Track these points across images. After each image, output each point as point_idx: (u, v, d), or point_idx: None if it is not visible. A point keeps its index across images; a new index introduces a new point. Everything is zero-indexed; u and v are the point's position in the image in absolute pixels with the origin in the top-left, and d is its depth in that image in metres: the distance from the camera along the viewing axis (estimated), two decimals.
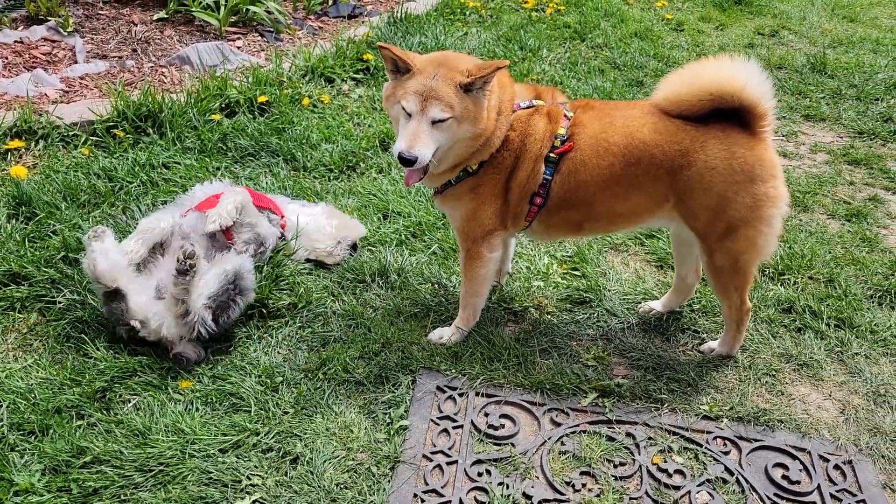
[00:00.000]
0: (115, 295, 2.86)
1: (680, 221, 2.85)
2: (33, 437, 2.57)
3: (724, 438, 2.77)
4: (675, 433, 2.77)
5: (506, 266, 3.41)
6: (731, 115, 2.68)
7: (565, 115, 2.82)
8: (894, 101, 5.56)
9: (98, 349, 2.93)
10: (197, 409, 2.70)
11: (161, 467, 2.49)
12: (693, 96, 2.67)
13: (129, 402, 2.73)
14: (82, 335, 2.99)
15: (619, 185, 2.77)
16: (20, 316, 3.07)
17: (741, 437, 2.77)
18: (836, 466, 2.69)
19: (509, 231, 3.01)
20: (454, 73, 2.62)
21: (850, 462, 2.70)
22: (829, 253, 3.78)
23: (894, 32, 7.20)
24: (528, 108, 2.84)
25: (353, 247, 3.59)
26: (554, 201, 2.85)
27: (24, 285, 3.18)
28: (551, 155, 2.79)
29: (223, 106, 4.65)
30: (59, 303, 3.09)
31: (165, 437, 2.58)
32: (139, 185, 3.88)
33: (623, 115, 2.80)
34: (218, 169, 4.13)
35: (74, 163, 4.01)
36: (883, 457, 2.73)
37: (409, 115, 2.63)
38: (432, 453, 2.64)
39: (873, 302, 3.48)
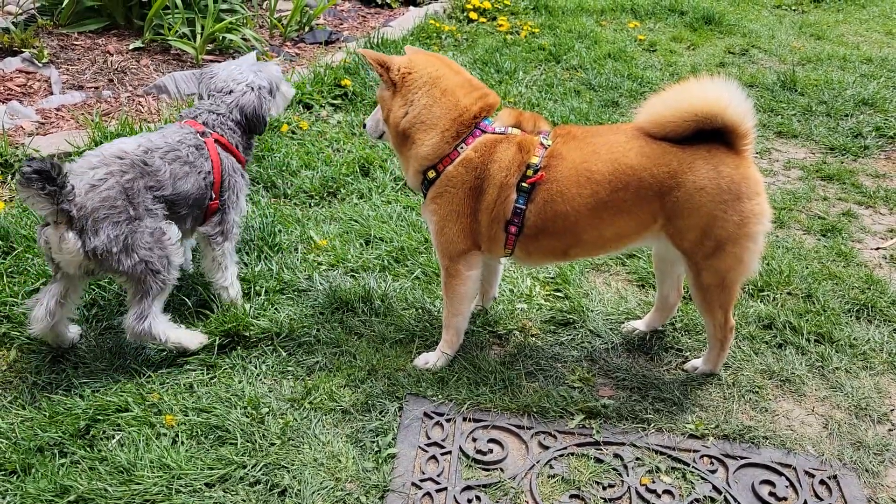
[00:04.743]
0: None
1: (667, 241, 2.88)
2: (15, 477, 2.52)
3: (710, 457, 2.79)
4: (662, 453, 2.79)
5: (493, 291, 3.43)
6: (712, 136, 2.73)
7: (542, 145, 2.85)
8: (864, 117, 5.69)
9: (80, 385, 2.89)
10: (182, 443, 2.68)
11: None
12: (678, 118, 2.71)
13: (114, 438, 2.69)
14: (64, 371, 2.96)
15: (606, 212, 2.80)
16: None
17: (727, 455, 2.79)
18: (822, 482, 2.72)
19: (489, 254, 3.03)
20: None
21: (835, 477, 2.73)
22: (807, 268, 3.84)
23: (860, 49, 7.36)
24: (500, 133, 2.87)
25: None
26: (531, 230, 2.87)
27: (2, 321, 3.14)
28: (523, 185, 2.81)
29: None
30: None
31: (151, 472, 2.54)
32: None
33: (607, 142, 2.83)
34: None
35: None
36: (867, 470, 2.76)
37: None
38: (421, 481, 2.63)
39: (851, 316, 3.53)
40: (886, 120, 5.61)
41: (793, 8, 8.87)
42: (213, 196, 3.17)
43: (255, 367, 3.05)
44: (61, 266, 2.88)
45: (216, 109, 3.27)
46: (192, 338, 3.07)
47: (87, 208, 2.75)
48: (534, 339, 3.32)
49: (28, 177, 2.58)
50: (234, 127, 3.29)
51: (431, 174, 2.92)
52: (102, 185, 2.80)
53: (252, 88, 3.33)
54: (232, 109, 3.29)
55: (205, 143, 3.15)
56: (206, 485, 2.53)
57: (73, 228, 2.75)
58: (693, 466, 2.73)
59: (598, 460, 2.74)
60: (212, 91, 3.33)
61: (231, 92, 3.31)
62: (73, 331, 3.09)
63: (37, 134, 4.52)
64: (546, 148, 2.84)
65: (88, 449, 2.64)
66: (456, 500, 2.57)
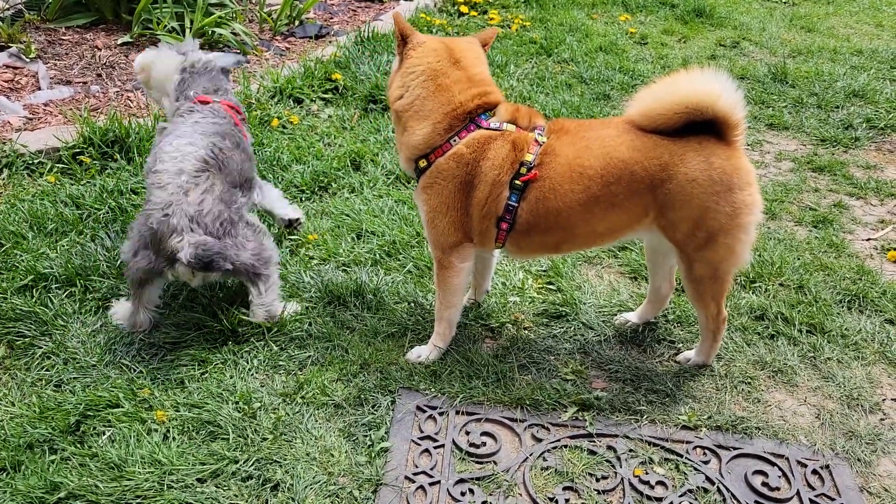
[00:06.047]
0: None
1: (659, 234, 2.88)
2: (5, 475, 2.51)
3: (703, 448, 2.79)
4: (655, 444, 2.79)
5: (485, 284, 3.42)
6: (703, 127, 2.72)
7: (537, 141, 2.83)
8: (854, 109, 5.69)
9: (70, 381, 2.87)
10: (174, 439, 2.66)
11: (138, 500, 2.44)
12: (669, 110, 2.70)
13: (104, 434, 2.68)
14: (54, 367, 2.94)
15: (598, 206, 2.79)
16: None
17: (720, 446, 2.80)
18: (814, 471, 2.72)
19: (480, 248, 3.02)
20: None
21: (827, 467, 2.74)
22: (798, 259, 3.84)
23: (851, 41, 7.37)
24: (495, 129, 2.85)
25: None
26: (523, 226, 2.86)
27: None
28: (516, 182, 2.80)
29: None
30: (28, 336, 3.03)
31: (142, 468, 2.53)
32: (107, 212, 3.82)
33: (598, 137, 2.81)
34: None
35: (40, 191, 3.95)
36: (859, 460, 2.77)
37: None
38: (414, 474, 2.62)
39: (843, 307, 3.54)
40: (877, 111, 5.62)
41: (783, 0, 8.88)
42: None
43: (247, 362, 3.03)
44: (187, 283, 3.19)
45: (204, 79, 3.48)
46: (294, 306, 3.32)
47: (209, 243, 2.93)
48: (526, 331, 3.31)
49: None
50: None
51: (423, 163, 2.91)
52: (208, 211, 2.97)
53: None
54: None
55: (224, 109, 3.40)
56: (198, 480, 2.52)
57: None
58: (686, 457, 2.74)
59: (592, 452, 2.74)
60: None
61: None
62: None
63: (24, 129, 4.48)
64: (540, 145, 2.83)
65: (79, 445, 2.63)
66: (449, 494, 2.56)
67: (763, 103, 5.82)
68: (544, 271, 3.68)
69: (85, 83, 5.17)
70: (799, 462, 2.75)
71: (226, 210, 3.04)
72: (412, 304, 3.41)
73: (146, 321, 3.13)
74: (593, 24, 7.38)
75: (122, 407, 2.77)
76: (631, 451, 2.75)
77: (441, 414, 2.87)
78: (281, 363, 3.04)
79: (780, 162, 4.99)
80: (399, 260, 3.69)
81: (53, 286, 3.30)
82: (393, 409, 2.86)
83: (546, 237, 2.90)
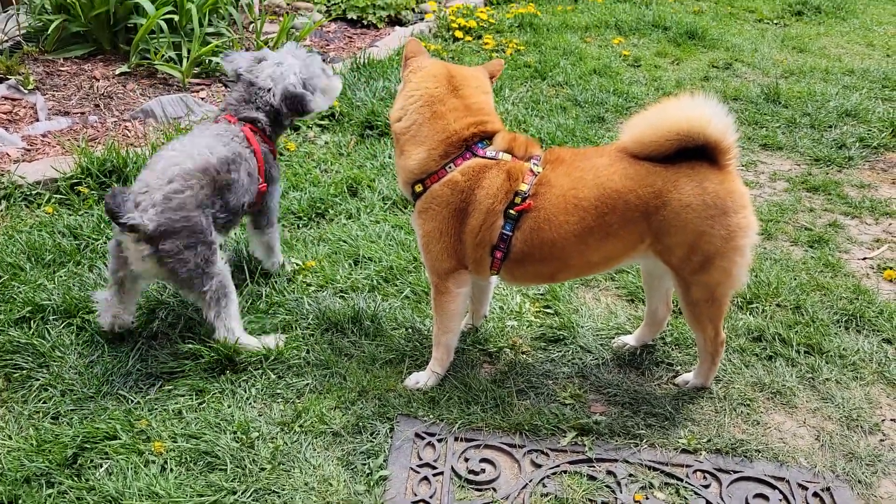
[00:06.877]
0: None
1: (655, 258, 2.89)
2: None
3: (703, 471, 2.78)
4: (655, 469, 2.78)
5: (483, 309, 3.42)
6: (696, 153, 2.74)
7: (532, 171, 2.85)
8: (847, 128, 5.73)
9: (67, 412, 2.87)
10: (171, 471, 2.65)
11: None
12: (660, 137, 2.71)
13: (101, 466, 2.66)
14: (51, 399, 2.94)
15: (593, 237, 2.80)
16: None
17: (720, 470, 2.79)
18: (815, 494, 2.71)
19: (475, 275, 3.03)
20: None
21: (828, 489, 2.73)
22: (795, 280, 3.85)
23: (842, 61, 7.44)
24: (491, 158, 2.87)
25: None
26: (517, 255, 2.87)
27: None
28: (511, 212, 2.82)
29: None
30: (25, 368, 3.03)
31: (140, 501, 2.51)
32: (106, 242, 3.83)
33: (593, 167, 2.82)
34: None
35: (38, 222, 3.96)
36: (859, 482, 2.76)
37: None
38: (414, 503, 2.61)
39: (840, 327, 3.54)
40: (870, 130, 5.66)
41: (775, 21, 8.97)
42: (261, 180, 3.37)
43: (245, 391, 3.02)
44: (133, 270, 3.10)
45: (248, 98, 3.41)
46: (261, 342, 3.23)
47: (157, 230, 2.92)
48: (524, 356, 3.31)
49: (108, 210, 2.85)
50: (265, 114, 3.42)
51: (419, 188, 2.92)
52: (175, 202, 2.96)
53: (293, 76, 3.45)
54: (267, 99, 3.41)
55: (243, 133, 3.32)
56: None
57: (145, 242, 2.96)
58: (686, 482, 2.73)
59: (591, 478, 2.73)
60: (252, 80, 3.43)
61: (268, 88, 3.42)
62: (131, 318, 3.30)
63: (22, 161, 4.50)
64: (536, 175, 2.84)
65: (76, 478, 2.61)
66: None
67: (756, 124, 5.86)
68: (541, 295, 3.68)
69: (83, 114, 5.20)
70: (800, 485, 2.74)
71: (199, 214, 3.02)
72: (410, 330, 3.41)
73: (114, 304, 3.18)
74: (587, 48, 7.44)
75: (120, 439, 2.76)
76: (631, 475, 2.74)
77: (440, 441, 2.86)
78: (279, 391, 3.04)
79: (774, 182, 5.01)
80: (396, 286, 3.70)
81: (51, 317, 3.30)
82: (391, 437, 2.85)
83: (541, 267, 2.91)
